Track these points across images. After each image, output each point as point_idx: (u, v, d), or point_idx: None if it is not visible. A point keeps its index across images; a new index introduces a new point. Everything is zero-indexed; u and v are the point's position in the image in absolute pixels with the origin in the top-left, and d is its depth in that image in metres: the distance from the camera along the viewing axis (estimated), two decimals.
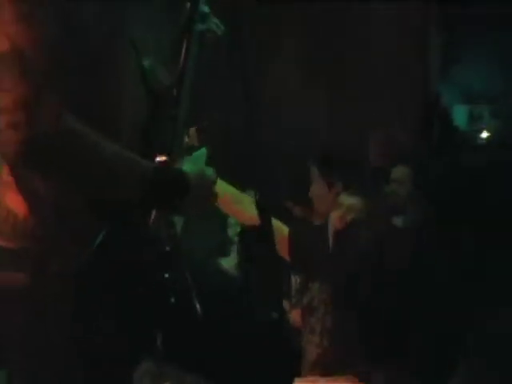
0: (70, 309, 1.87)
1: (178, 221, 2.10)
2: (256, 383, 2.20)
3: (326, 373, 3.66)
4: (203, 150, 2.09)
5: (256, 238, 4.32)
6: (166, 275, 1.97)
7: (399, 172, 4.53)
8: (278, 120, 5.73)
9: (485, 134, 5.43)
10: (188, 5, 2.13)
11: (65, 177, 1.85)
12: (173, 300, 1.96)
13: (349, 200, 3.78)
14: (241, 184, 4.73)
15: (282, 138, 5.60)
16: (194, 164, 2.00)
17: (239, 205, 3.53)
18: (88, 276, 1.90)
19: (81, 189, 1.90)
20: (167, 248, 2.00)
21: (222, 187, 3.02)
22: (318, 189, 4.01)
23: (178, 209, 1.98)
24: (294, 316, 4.25)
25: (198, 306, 2.03)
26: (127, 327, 1.94)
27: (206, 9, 2.19)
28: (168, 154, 1.95)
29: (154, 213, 1.96)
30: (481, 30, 5.40)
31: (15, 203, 1.94)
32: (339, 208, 3.77)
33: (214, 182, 2.03)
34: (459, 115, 5.57)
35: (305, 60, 6.02)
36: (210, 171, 2.00)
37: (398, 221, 4.39)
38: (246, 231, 5.10)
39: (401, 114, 5.59)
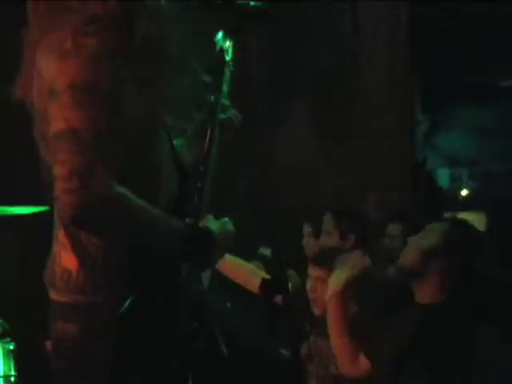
0: (114, 352, 2.01)
1: (205, 276, 2.27)
2: None
3: None
4: (225, 220, 2.24)
5: (273, 291, 4.24)
6: (195, 324, 2.12)
7: (392, 228, 4.57)
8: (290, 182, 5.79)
9: (464, 192, 5.58)
10: (212, 98, 2.39)
11: (114, 236, 2.02)
12: (201, 345, 2.13)
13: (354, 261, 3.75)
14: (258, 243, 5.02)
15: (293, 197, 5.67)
16: (216, 221, 2.14)
17: (243, 272, 3.70)
18: (129, 324, 2.02)
19: (127, 246, 2.03)
20: (196, 301, 2.16)
21: (229, 257, 3.22)
22: (331, 238, 4.23)
23: (205, 259, 2.12)
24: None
25: (223, 348, 2.23)
26: (163, 369, 2.07)
27: (226, 102, 2.45)
28: (196, 216, 2.12)
29: (184, 269, 2.10)
30: (458, 108, 5.73)
31: (69, 262, 2.06)
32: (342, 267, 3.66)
33: (234, 235, 2.20)
34: (442, 177, 5.66)
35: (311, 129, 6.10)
36: (229, 225, 2.20)
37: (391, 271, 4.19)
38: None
39: (394, 177, 5.66)
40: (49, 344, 2.14)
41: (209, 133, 2.33)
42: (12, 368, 3.88)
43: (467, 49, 5.45)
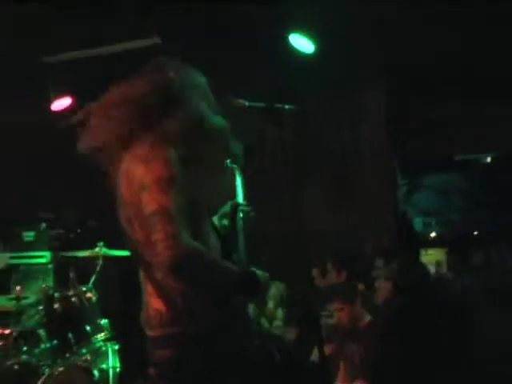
0: (200, 366, 2.10)
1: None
2: None
3: None
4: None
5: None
6: (257, 342, 2.24)
7: (379, 261, 4.66)
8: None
9: (433, 234, 5.96)
10: (233, 204, 2.49)
11: (197, 277, 2.06)
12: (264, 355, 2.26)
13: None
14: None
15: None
16: (259, 271, 2.21)
17: None
18: (211, 343, 2.11)
19: (203, 284, 2.10)
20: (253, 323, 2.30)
21: None
22: (331, 275, 4.56)
23: (254, 294, 2.20)
24: None
25: (277, 356, 2.39)
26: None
27: (243, 204, 2.53)
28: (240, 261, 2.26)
29: (243, 302, 2.21)
30: (427, 175, 6.14)
31: (158, 305, 2.16)
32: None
33: (269, 280, 2.26)
34: (417, 224, 6.07)
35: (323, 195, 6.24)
36: (266, 274, 2.24)
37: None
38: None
39: (383, 226, 5.84)
40: (151, 370, 2.22)
41: (234, 226, 2.46)
42: (117, 362, 4.12)
43: (431, 130, 5.84)
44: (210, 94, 2.30)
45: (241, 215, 2.47)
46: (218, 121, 2.27)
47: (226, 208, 2.51)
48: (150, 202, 2.00)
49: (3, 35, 4.84)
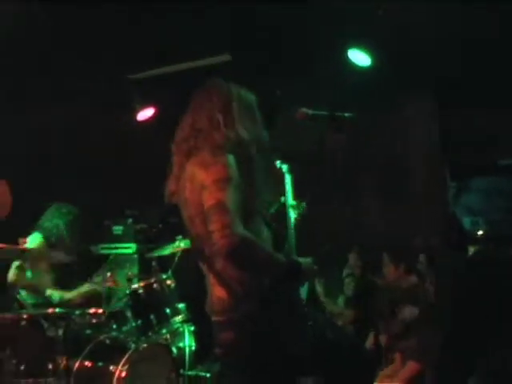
0: (257, 346, 2.16)
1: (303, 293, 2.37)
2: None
3: None
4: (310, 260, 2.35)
5: None
6: (310, 323, 2.28)
7: (422, 257, 4.60)
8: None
9: (480, 232, 5.80)
10: (282, 199, 2.61)
11: (251, 263, 2.14)
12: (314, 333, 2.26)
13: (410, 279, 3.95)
14: None
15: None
16: (303, 259, 2.30)
17: None
18: (267, 325, 2.17)
19: (256, 269, 2.17)
20: (303, 308, 2.32)
21: None
22: (389, 269, 4.47)
23: (299, 282, 2.27)
24: None
25: (329, 334, 2.34)
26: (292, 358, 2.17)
27: (290, 196, 2.67)
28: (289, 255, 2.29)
29: (293, 288, 2.24)
30: (476, 178, 6.14)
31: (220, 293, 2.23)
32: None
33: (314, 267, 2.31)
34: (466, 223, 6.00)
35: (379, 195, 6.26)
36: (311, 261, 2.31)
37: None
38: None
39: (434, 224, 5.58)
40: (217, 350, 2.30)
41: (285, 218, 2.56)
42: (193, 341, 4.28)
43: (479, 137, 5.76)
44: (257, 112, 2.41)
45: (291, 211, 2.54)
46: (261, 136, 2.36)
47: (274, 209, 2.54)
48: (209, 199, 2.09)
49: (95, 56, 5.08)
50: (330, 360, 2.28)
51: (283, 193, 2.61)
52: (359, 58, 4.83)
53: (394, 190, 6.12)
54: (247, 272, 2.15)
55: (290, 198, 2.59)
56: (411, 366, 3.51)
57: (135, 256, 5.05)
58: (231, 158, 2.16)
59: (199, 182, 2.16)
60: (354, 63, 4.85)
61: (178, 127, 2.37)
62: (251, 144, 2.28)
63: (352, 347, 2.34)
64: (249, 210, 2.18)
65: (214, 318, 2.26)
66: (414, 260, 4.52)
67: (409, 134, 6.11)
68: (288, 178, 2.63)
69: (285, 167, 2.62)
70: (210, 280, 2.24)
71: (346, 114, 2.51)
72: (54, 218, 4.23)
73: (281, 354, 2.16)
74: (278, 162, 2.63)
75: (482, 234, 5.78)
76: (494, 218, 5.83)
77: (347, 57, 4.78)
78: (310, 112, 2.48)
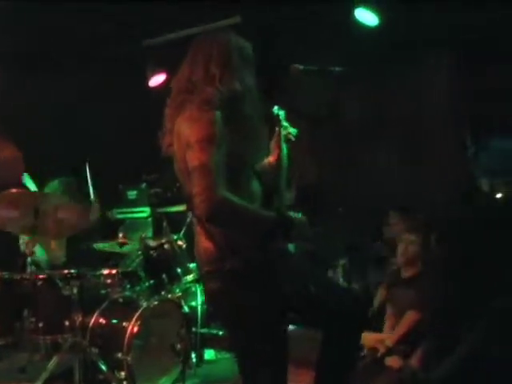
0: (240, 293, 2.19)
1: (291, 247, 2.37)
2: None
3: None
4: (299, 215, 2.33)
5: None
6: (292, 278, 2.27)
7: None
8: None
9: (499, 195, 5.61)
10: (277, 130, 2.55)
11: (231, 224, 2.17)
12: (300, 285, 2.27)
13: (410, 236, 3.84)
14: None
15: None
16: (294, 213, 2.29)
17: None
18: (251, 278, 2.20)
19: (241, 229, 2.20)
20: (288, 261, 2.30)
21: None
22: (398, 226, 4.54)
23: (289, 235, 2.24)
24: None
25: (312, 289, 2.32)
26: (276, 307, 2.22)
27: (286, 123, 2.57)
28: (279, 209, 2.27)
29: (278, 241, 2.23)
30: (496, 138, 5.90)
31: (206, 244, 2.27)
32: (403, 242, 3.83)
33: (307, 222, 2.29)
34: (484, 185, 5.70)
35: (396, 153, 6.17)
36: (303, 216, 2.29)
37: None
38: None
39: (452, 185, 5.52)
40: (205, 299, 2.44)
41: (278, 144, 2.53)
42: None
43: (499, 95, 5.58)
44: (253, 63, 2.39)
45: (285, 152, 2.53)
46: (255, 87, 2.36)
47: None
48: (192, 159, 2.12)
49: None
50: (319, 313, 2.34)
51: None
52: (366, 17, 4.82)
53: (412, 151, 6.06)
54: (231, 231, 2.20)
55: (284, 147, 2.55)
56: (411, 317, 3.56)
57: (149, 219, 5.24)
58: (218, 115, 2.17)
59: (185, 139, 2.19)
60: (361, 23, 4.85)
61: (175, 78, 2.37)
62: (245, 97, 2.28)
63: (342, 303, 2.37)
64: (238, 164, 2.22)
65: (201, 268, 2.33)
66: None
67: (426, 94, 6.03)
68: (284, 126, 2.59)
69: (281, 113, 2.58)
70: (198, 230, 2.30)
71: (337, 69, 2.53)
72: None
73: (264, 307, 2.21)
74: (275, 109, 2.60)
75: (501, 197, 5.65)
76: None
77: (354, 16, 4.79)
78: (301, 67, 2.48)
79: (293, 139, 2.58)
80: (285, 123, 2.57)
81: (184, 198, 2.37)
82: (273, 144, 2.61)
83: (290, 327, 2.36)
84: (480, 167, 5.82)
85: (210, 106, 2.18)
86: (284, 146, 2.54)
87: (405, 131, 6.14)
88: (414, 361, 3.38)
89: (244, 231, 2.20)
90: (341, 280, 5.11)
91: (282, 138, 2.54)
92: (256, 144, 2.35)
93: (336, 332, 2.31)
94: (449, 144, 6.02)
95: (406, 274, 3.84)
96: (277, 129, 2.55)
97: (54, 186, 4.40)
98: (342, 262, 5.30)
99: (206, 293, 2.37)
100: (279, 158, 2.53)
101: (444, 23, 5.30)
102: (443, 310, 3.27)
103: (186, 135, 2.18)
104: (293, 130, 2.58)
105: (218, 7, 5.03)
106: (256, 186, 2.32)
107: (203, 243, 2.28)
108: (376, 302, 4.25)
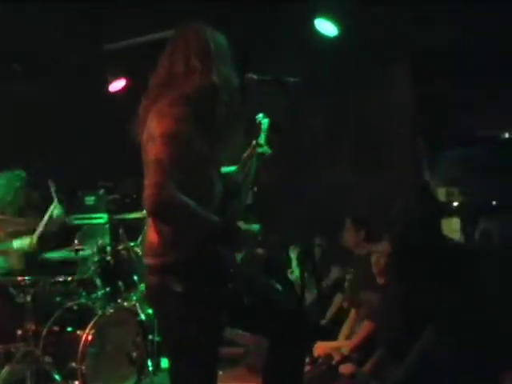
0: (178, 296, 2.16)
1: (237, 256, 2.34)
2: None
3: None
4: (257, 227, 2.36)
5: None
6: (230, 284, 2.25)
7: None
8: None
9: (455, 204, 5.80)
10: (254, 143, 2.55)
11: (176, 222, 2.17)
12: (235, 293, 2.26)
13: (378, 246, 3.97)
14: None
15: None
16: (245, 224, 2.30)
17: None
18: (188, 276, 2.18)
19: (184, 229, 2.19)
20: (232, 268, 2.27)
21: None
22: (350, 233, 4.58)
23: (230, 245, 2.25)
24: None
25: (245, 298, 2.34)
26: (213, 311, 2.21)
27: (263, 145, 2.55)
28: (232, 217, 2.27)
29: (222, 247, 2.22)
30: (453, 148, 6.02)
31: (152, 237, 2.26)
32: (375, 253, 3.96)
33: (257, 234, 2.34)
34: (440, 193, 5.83)
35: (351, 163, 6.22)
36: (256, 227, 2.34)
37: None
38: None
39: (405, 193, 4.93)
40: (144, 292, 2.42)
41: (248, 164, 2.52)
42: None
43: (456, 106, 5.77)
44: (229, 57, 2.38)
45: (255, 158, 2.51)
46: (234, 83, 2.34)
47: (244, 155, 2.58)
48: (151, 152, 2.13)
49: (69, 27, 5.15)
50: (257, 320, 2.37)
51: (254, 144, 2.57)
52: (326, 27, 4.88)
53: (369, 161, 6.15)
54: (174, 229, 2.19)
55: (253, 163, 2.52)
56: (367, 326, 3.63)
57: (107, 226, 5.19)
58: (188, 111, 2.16)
59: (150, 132, 2.18)
60: (320, 33, 4.91)
61: (154, 73, 2.34)
62: (223, 90, 2.27)
63: (283, 311, 2.39)
64: (203, 163, 2.22)
65: (144, 260, 2.31)
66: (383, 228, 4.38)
67: (383, 104, 6.11)
68: (264, 130, 2.57)
69: (265, 122, 2.58)
70: (149, 222, 2.30)
71: (292, 79, 2.51)
72: (4, 187, 4.32)
73: (200, 305, 2.21)
74: (260, 116, 2.60)
75: (457, 206, 5.83)
76: (472, 189, 5.76)
77: (314, 27, 4.84)
78: (255, 77, 2.47)
79: (264, 160, 2.55)
80: (262, 139, 2.55)
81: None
82: (245, 155, 2.61)
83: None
84: (436, 176, 5.92)
85: (182, 101, 2.18)
86: (254, 162, 2.53)
87: (363, 141, 6.22)
88: (367, 368, 3.44)
89: (187, 231, 2.20)
90: (297, 285, 5.11)
91: (255, 155, 2.53)
92: (225, 145, 2.36)
93: (280, 338, 2.33)
94: (405, 153, 6.10)
95: (380, 282, 3.92)
96: (253, 142, 2.55)
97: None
98: (298, 267, 5.31)
99: (146, 286, 2.36)
100: (246, 172, 2.52)
101: (401, 35, 5.39)
102: (395, 318, 3.31)
103: (152, 128, 2.17)
104: (266, 150, 2.56)
105: (180, 14, 5.01)
106: (217, 187, 2.31)
107: (150, 236, 2.28)
108: (330, 312, 4.34)
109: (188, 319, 2.19)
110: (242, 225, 2.27)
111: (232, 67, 2.37)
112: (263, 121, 2.61)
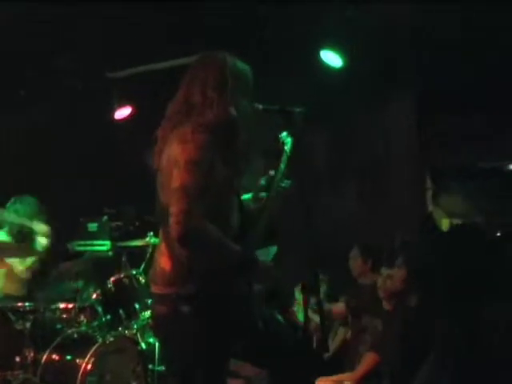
0: (192, 325, 2.15)
1: (256, 287, 2.34)
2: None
3: None
4: (274, 248, 2.43)
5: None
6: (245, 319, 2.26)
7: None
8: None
9: None
10: (273, 172, 2.54)
11: (201, 251, 2.16)
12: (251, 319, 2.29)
13: (386, 271, 3.84)
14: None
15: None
16: (263, 255, 2.32)
17: None
18: (202, 308, 2.18)
19: (208, 257, 2.18)
20: (248, 298, 2.28)
21: None
22: (356, 262, 4.56)
23: (251, 275, 2.26)
24: None
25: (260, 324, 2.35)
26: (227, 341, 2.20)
27: (281, 177, 2.52)
28: (250, 247, 2.26)
29: (240, 277, 2.22)
30: (456, 180, 6.05)
31: (166, 264, 2.23)
32: (381, 276, 3.85)
33: (272, 268, 2.32)
34: (444, 224, 5.57)
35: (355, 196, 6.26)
36: (273, 250, 2.39)
37: None
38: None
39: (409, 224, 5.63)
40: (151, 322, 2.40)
41: (268, 198, 2.51)
42: None
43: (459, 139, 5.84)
44: (250, 87, 2.38)
45: (274, 189, 2.48)
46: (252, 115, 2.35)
47: (263, 182, 2.58)
48: (176, 179, 2.12)
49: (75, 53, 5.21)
50: (265, 354, 2.36)
51: (275, 169, 2.54)
52: (331, 58, 4.91)
53: (373, 192, 6.17)
54: (198, 257, 2.17)
55: (279, 176, 2.49)
56: (371, 357, 3.57)
57: (110, 253, 5.17)
58: (209, 139, 2.17)
59: (174, 157, 2.18)
60: (326, 64, 4.94)
61: (171, 101, 2.36)
62: (239, 122, 2.28)
63: (294, 347, 2.38)
64: (222, 192, 2.22)
65: (153, 289, 2.29)
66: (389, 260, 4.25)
67: (387, 136, 6.16)
68: (285, 155, 2.51)
69: (289, 141, 2.51)
70: (161, 248, 2.26)
71: (297, 110, 2.49)
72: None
73: (210, 338, 2.19)
74: (284, 134, 2.55)
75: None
76: (475, 220, 5.59)
77: (319, 58, 4.88)
78: (261, 106, 2.46)
79: (283, 193, 2.53)
80: (282, 168, 2.50)
81: (158, 219, 2.30)
82: (261, 182, 2.61)
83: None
84: (441, 208, 5.78)
85: (204, 129, 2.19)
86: (274, 190, 2.50)
87: (368, 174, 6.23)
88: None
89: (211, 260, 2.18)
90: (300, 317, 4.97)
91: (275, 184, 2.49)
92: (243, 173, 2.37)
93: (283, 373, 2.34)
94: (409, 186, 6.12)
95: (386, 307, 3.83)
96: (272, 172, 2.51)
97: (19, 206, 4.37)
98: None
99: (154, 315, 2.33)
100: (266, 201, 2.51)
101: (406, 71, 5.48)
102: (398, 349, 3.31)
103: (176, 153, 2.17)
104: (287, 184, 2.55)
105: (184, 43, 5.07)
106: (236, 215, 2.31)
107: (163, 264, 2.24)
108: (334, 345, 4.30)
109: (202, 350, 2.17)
110: (260, 257, 2.27)
111: (252, 97, 2.37)
112: (286, 140, 2.57)
